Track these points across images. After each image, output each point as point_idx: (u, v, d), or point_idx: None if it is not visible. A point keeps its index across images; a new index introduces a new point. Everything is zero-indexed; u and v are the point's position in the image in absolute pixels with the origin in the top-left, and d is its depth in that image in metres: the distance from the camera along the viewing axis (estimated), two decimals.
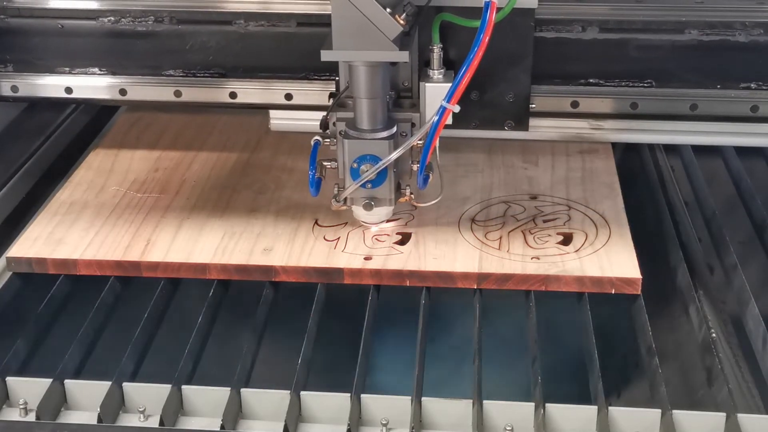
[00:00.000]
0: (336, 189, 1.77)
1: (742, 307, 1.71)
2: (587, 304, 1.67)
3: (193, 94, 2.06)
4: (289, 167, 2.06)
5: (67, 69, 2.07)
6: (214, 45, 2.02)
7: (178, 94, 2.07)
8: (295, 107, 2.05)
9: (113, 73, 2.07)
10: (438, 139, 1.68)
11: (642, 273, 1.69)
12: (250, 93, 2.05)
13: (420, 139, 1.69)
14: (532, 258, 1.74)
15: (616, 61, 1.95)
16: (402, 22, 1.60)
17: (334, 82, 1.95)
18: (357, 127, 1.72)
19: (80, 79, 2.08)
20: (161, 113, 2.26)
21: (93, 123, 2.34)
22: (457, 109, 1.63)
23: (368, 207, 1.75)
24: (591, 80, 1.96)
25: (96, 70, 2.06)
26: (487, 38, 1.58)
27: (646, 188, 2.09)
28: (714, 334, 1.61)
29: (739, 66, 1.95)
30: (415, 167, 1.75)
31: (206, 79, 2.05)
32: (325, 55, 1.65)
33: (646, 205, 2.02)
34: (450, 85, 1.69)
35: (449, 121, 1.67)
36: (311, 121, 2.07)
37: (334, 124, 1.75)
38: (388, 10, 1.59)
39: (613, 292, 1.69)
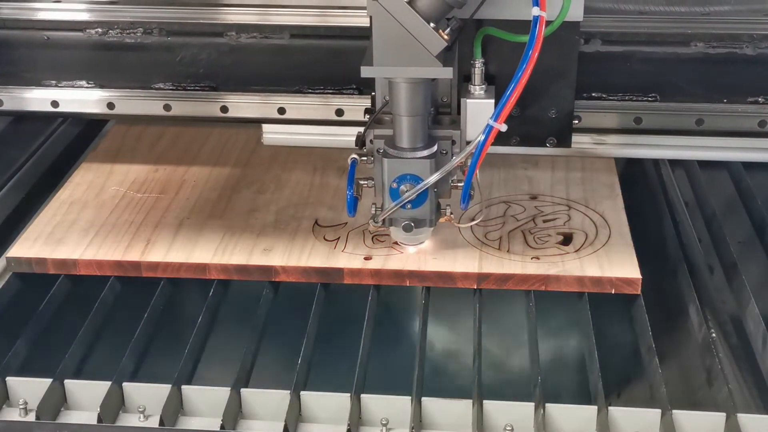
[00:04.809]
0: (373, 209, 1.70)
1: (742, 307, 1.71)
2: (587, 304, 1.67)
3: (183, 108, 2.02)
4: (289, 167, 2.06)
5: (54, 82, 2.03)
6: (204, 57, 1.98)
7: (167, 107, 2.03)
8: (288, 121, 2.01)
9: (101, 87, 2.03)
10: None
11: (642, 273, 1.69)
12: (242, 107, 2.01)
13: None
14: (532, 258, 1.74)
15: (620, 75, 1.92)
16: (446, 37, 1.54)
17: (325, 94, 1.95)
18: (396, 145, 1.65)
19: (67, 92, 2.04)
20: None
21: (86, 130, 2.31)
22: (504, 128, 1.57)
23: (408, 228, 1.69)
24: (594, 94, 1.93)
25: (83, 83, 2.03)
26: (537, 54, 1.52)
27: (646, 188, 2.09)
28: (714, 334, 1.61)
29: (747, 80, 1.91)
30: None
31: (197, 93, 2.01)
32: (366, 71, 1.59)
33: (646, 205, 2.02)
34: (492, 101, 1.67)
35: None
36: (304, 135, 2.05)
37: (371, 141, 1.68)
38: (431, 24, 1.53)
39: (613, 292, 1.69)
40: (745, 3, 1.93)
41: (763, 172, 2.07)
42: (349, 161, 1.69)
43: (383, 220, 1.70)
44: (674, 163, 2.12)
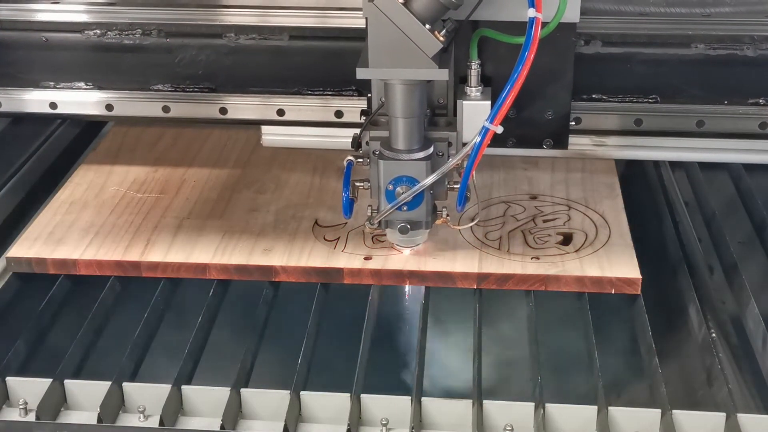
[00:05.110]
0: (369, 211, 1.70)
1: (742, 307, 1.71)
2: (587, 304, 1.67)
3: (182, 109, 2.01)
4: (288, 167, 2.06)
5: (52, 83, 2.02)
6: (203, 59, 1.97)
7: (166, 109, 2.01)
8: (287, 123, 2.00)
9: (99, 88, 2.02)
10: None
11: (642, 273, 1.69)
12: (240, 108, 2.00)
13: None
14: (531, 258, 1.74)
15: (620, 76, 1.91)
16: (441, 38, 1.53)
17: (331, 96, 1.94)
18: (392, 147, 1.65)
19: (65, 94, 2.02)
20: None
21: (86, 131, 2.31)
22: (500, 130, 1.56)
23: (404, 230, 1.68)
24: (594, 96, 1.92)
25: (82, 84, 2.02)
26: (533, 56, 1.50)
27: (646, 188, 2.09)
28: (714, 334, 1.61)
29: (747, 81, 1.90)
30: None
31: (195, 94, 2.00)
32: (361, 73, 1.58)
33: (646, 205, 2.02)
34: (488, 102, 1.66)
35: None
36: (304, 137, 2.03)
37: (367, 143, 1.68)
38: (427, 26, 1.52)
39: (613, 292, 1.69)
40: (745, 4, 1.92)
41: (763, 172, 2.06)
42: (345, 163, 1.69)
43: (379, 222, 1.70)
44: (674, 163, 2.11)
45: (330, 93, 1.97)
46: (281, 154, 2.10)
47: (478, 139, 1.58)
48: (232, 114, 2.01)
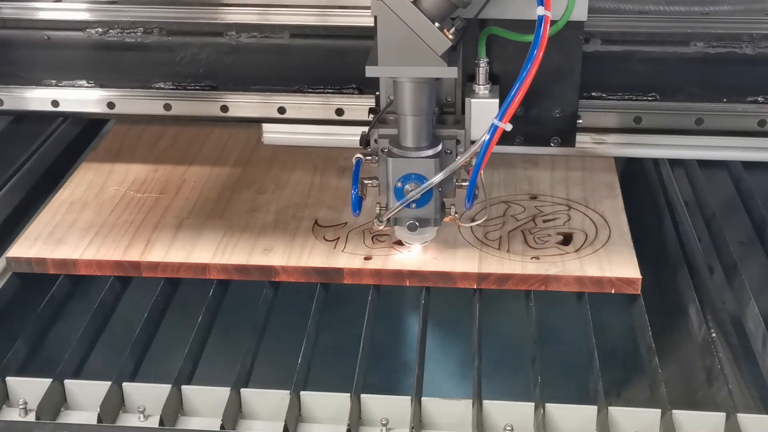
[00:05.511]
0: (378, 208, 1.70)
1: (742, 307, 1.71)
2: (587, 304, 1.67)
3: (183, 107, 2.02)
4: (289, 167, 2.06)
5: (54, 82, 2.02)
6: (204, 57, 1.98)
7: (167, 107, 2.02)
8: (288, 121, 2.01)
9: (101, 86, 2.02)
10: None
11: (642, 273, 1.69)
12: (242, 106, 2.00)
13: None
14: (531, 258, 1.74)
15: (620, 74, 1.92)
16: (450, 36, 1.54)
17: (328, 93, 1.94)
18: (401, 144, 1.65)
19: (67, 92, 2.03)
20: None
21: (86, 130, 2.31)
22: (509, 127, 1.56)
23: (413, 228, 1.68)
24: (593, 94, 1.93)
25: (83, 82, 2.02)
26: (541, 54, 1.51)
27: (646, 188, 2.09)
28: (714, 334, 1.61)
29: (746, 79, 1.91)
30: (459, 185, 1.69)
31: (197, 92, 2.00)
32: (371, 71, 1.58)
33: (646, 205, 2.02)
34: (496, 100, 1.66)
35: None
36: (305, 134, 2.05)
37: (375, 141, 1.68)
38: (436, 24, 1.53)
39: (613, 292, 1.69)
40: (744, 3, 1.93)
41: (763, 171, 2.07)
42: (354, 161, 1.69)
43: (388, 219, 1.70)
44: (674, 162, 2.12)
45: (331, 91, 1.98)
46: (281, 154, 2.10)
47: (487, 136, 1.58)
48: (234, 112, 2.02)
